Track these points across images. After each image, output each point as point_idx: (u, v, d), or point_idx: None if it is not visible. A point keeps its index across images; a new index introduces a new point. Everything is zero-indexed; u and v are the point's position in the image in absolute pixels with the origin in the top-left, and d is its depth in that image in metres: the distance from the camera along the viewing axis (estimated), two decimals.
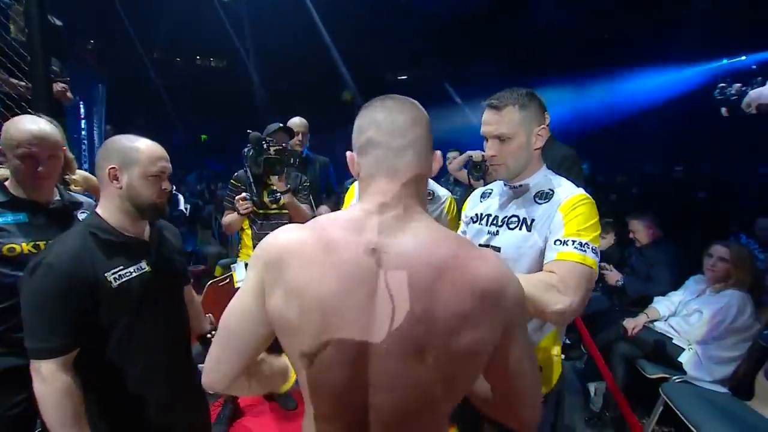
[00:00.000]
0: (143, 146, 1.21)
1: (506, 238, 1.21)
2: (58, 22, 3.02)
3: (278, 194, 2.22)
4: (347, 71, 9.78)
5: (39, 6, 2.17)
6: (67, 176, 2.01)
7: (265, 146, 2.11)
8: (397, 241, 0.69)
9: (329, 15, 8.33)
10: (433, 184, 1.96)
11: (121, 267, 1.18)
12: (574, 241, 1.06)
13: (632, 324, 2.57)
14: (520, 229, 1.18)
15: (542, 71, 8.21)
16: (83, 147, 5.10)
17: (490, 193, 1.37)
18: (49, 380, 1.08)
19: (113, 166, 1.18)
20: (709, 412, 1.99)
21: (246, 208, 2.13)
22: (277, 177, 2.16)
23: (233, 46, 9.93)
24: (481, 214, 1.33)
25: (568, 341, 3.31)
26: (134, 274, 1.20)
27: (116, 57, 8.49)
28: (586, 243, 1.06)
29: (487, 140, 1.19)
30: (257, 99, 10.68)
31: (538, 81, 6.71)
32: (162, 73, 10.10)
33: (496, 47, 9.38)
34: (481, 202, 1.38)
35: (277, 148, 2.11)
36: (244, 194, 2.15)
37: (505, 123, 1.14)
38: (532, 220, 1.17)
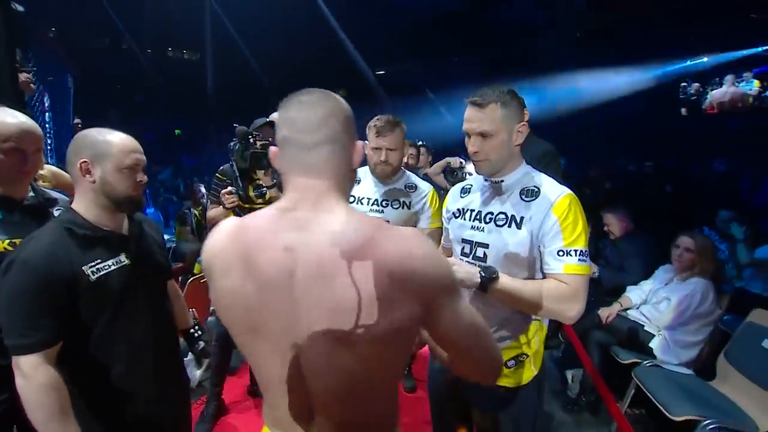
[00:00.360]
0: (115, 139, 1.20)
1: (495, 236, 1.24)
2: (20, 8, 2.89)
3: (264, 189, 2.21)
4: (325, 66, 9.70)
5: None
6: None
7: (251, 141, 2.09)
8: (311, 235, 0.70)
9: (307, 9, 8.24)
10: (414, 178, 2.00)
11: (99, 260, 1.16)
12: (575, 251, 1.14)
13: (606, 313, 2.69)
14: (509, 226, 1.22)
15: (518, 68, 8.38)
16: (49, 141, 4.86)
17: (470, 189, 1.40)
18: (31, 375, 1.06)
19: (84, 159, 1.16)
20: (675, 393, 2.11)
21: (232, 202, 2.11)
22: (263, 171, 2.15)
23: (207, 39, 9.67)
24: (463, 209, 1.36)
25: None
26: (113, 267, 1.19)
27: (84, 47, 8.13)
28: (584, 251, 1.15)
29: (469, 137, 1.22)
30: (230, 93, 10.46)
31: (514, 77, 6.86)
32: (132, 64, 9.73)
33: (474, 44, 9.51)
34: (462, 197, 1.41)
35: (264, 142, 2.10)
36: (230, 188, 2.14)
37: (487, 120, 1.18)
38: (522, 218, 1.20)
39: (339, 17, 8.76)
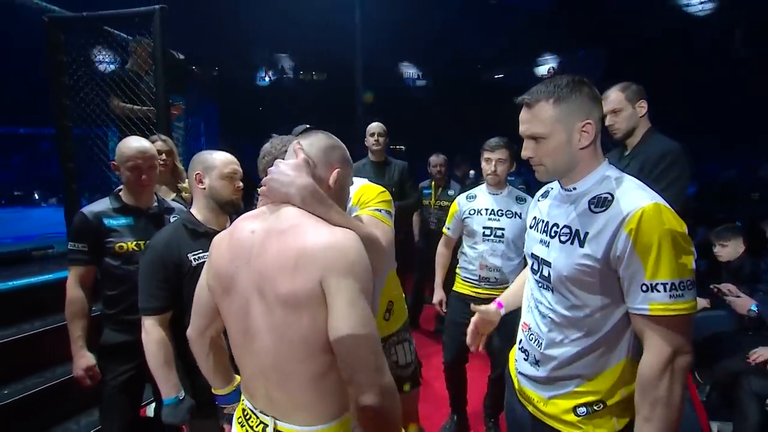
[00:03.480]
0: (218, 155, 1.54)
1: (557, 254, 1.05)
2: (181, 56, 3.57)
3: None
4: (440, 74, 9.72)
5: (162, 48, 2.66)
6: (179, 184, 2.38)
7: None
8: (265, 223, 0.91)
9: (421, 17, 8.35)
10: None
11: (201, 251, 1.46)
12: (665, 286, 0.89)
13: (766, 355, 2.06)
14: (572, 243, 1.01)
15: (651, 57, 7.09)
16: None
17: (549, 193, 1.22)
18: (149, 332, 1.41)
19: (198, 172, 1.50)
20: None
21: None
22: None
23: (331, 59, 10.65)
24: (537, 219, 1.19)
25: None
26: None
27: (230, 79, 9.74)
28: (680, 283, 0.89)
29: (523, 140, 1.07)
30: (358, 108, 11.25)
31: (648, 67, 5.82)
32: (270, 90, 11.27)
33: (598, 38, 8.42)
34: (539, 201, 1.24)
35: None
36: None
37: (536, 121, 1.01)
38: (586, 234, 0.99)
39: (452, 22, 8.68)
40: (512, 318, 1.36)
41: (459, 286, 2.38)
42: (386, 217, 1.26)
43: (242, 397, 1.01)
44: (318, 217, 0.91)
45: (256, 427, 0.93)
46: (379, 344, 0.84)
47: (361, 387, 0.79)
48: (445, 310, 2.42)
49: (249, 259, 0.89)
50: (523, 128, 1.05)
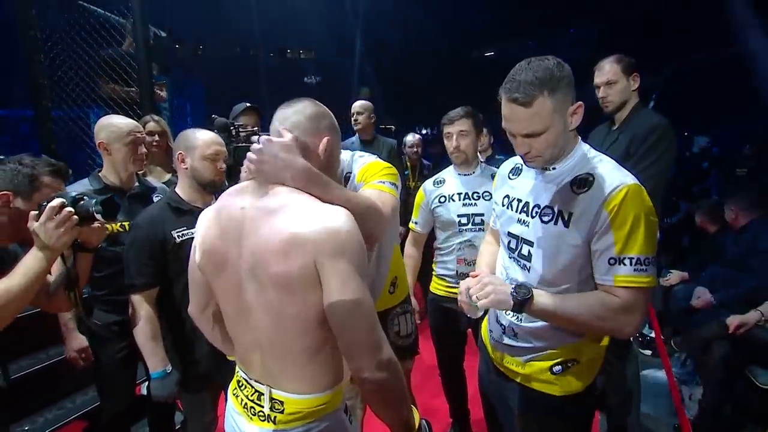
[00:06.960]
0: (201, 135, 1.53)
1: (541, 234, 1.06)
2: (162, 33, 3.46)
3: None
4: (429, 52, 9.57)
5: (143, 27, 2.62)
6: (173, 164, 2.36)
7: (234, 132, 1.84)
8: (256, 200, 0.89)
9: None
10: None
11: (185, 228, 1.49)
12: (630, 260, 0.95)
13: (738, 321, 2.15)
14: (556, 223, 1.03)
15: (642, 36, 6.98)
16: None
17: (521, 170, 1.21)
18: (137, 308, 1.45)
19: (180, 152, 1.52)
20: None
21: None
22: None
23: (319, 38, 10.43)
24: (511, 198, 1.19)
25: (650, 335, 2.93)
26: (193, 235, 1.44)
27: (217, 58, 9.48)
28: (643, 259, 0.95)
29: (513, 136, 1.02)
30: (346, 84, 11.10)
31: (639, 47, 5.74)
32: (258, 68, 11.02)
33: (590, 13, 8.29)
34: (510, 179, 1.22)
35: (248, 133, 1.85)
36: None
37: (536, 119, 0.95)
38: (570, 214, 1.00)
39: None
40: None
41: (435, 286, 2.07)
42: (390, 188, 1.22)
43: (237, 368, 1.01)
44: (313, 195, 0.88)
45: (251, 396, 0.94)
46: (375, 320, 0.83)
47: (360, 364, 0.81)
48: (419, 321, 1.90)
49: (240, 238, 0.88)
50: (519, 127, 0.99)
